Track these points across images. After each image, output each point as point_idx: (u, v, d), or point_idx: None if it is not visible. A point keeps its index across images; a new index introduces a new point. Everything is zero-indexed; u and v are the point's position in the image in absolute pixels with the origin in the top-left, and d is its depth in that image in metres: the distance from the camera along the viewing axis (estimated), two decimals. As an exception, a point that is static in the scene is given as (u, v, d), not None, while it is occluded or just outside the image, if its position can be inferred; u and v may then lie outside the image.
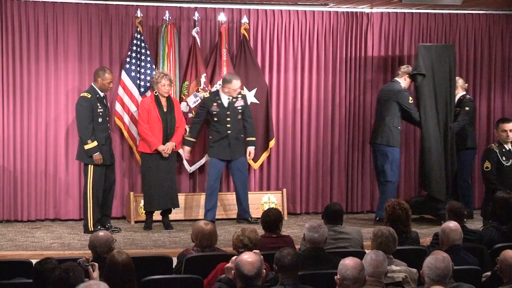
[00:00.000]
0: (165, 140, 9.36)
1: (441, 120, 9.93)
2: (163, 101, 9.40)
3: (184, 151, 9.89)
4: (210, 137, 9.79)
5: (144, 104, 9.43)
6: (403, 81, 10.03)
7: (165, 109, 9.39)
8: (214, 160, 9.77)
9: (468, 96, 10.32)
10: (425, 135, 9.97)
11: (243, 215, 9.94)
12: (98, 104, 9.11)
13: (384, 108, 9.97)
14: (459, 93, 10.20)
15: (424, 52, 10.00)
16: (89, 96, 9.09)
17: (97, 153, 9.02)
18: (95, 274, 5.11)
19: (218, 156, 9.75)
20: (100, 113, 9.12)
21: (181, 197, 9.92)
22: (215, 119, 9.73)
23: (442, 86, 9.95)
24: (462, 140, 10.15)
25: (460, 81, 10.24)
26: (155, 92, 9.39)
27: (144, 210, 9.60)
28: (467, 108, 10.10)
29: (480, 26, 11.34)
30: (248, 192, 10.11)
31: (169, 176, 9.46)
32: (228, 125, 9.74)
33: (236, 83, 9.70)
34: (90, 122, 9.04)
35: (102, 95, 9.21)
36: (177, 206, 9.64)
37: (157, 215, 9.68)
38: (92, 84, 9.23)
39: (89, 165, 9.10)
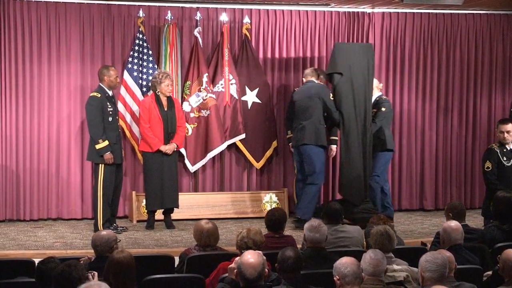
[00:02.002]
0: (167, 140, 9.37)
1: (359, 122, 9.67)
2: (164, 101, 9.40)
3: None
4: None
5: (145, 104, 9.44)
6: (318, 81, 9.79)
7: (165, 108, 9.40)
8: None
9: (384, 96, 10.04)
10: (344, 136, 9.69)
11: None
12: (108, 103, 9.11)
13: (308, 107, 9.56)
14: (375, 94, 9.94)
15: (340, 50, 9.76)
16: (99, 95, 9.08)
17: (108, 152, 9.03)
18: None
19: None
20: (110, 112, 9.13)
21: (183, 197, 9.94)
22: None
23: (360, 87, 9.69)
24: (380, 142, 9.94)
25: (375, 82, 9.98)
26: (157, 92, 9.40)
27: (146, 209, 9.62)
28: (383, 109, 9.86)
29: (481, 26, 11.35)
30: (250, 191, 10.12)
31: (170, 175, 9.46)
32: None
33: None
34: (100, 122, 9.03)
35: (111, 94, 9.22)
36: (177, 205, 9.62)
37: (159, 215, 9.71)
38: (100, 84, 9.20)
39: (100, 165, 9.09)
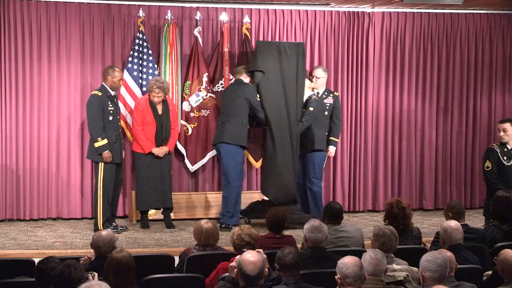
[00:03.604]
0: (159, 143, 9.37)
1: (284, 121, 9.57)
2: (159, 104, 9.40)
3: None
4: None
5: (139, 106, 9.44)
6: (247, 80, 9.72)
7: (160, 112, 9.39)
8: None
9: (314, 96, 9.93)
10: (268, 136, 9.61)
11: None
12: (109, 103, 9.13)
13: (232, 107, 9.51)
14: (307, 93, 9.87)
15: (262, 48, 9.70)
16: (100, 94, 9.10)
17: (107, 151, 9.04)
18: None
19: None
20: (111, 111, 9.14)
21: (183, 196, 9.96)
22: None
23: (287, 86, 9.61)
24: (309, 142, 9.92)
25: (307, 82, 9.95)
26: (149, 95, 9.40)
27: (136, 209, 9.63)
28: (311, 109, 9.78)
29: (481, 26, 11.35)
30: (249, 191, 10.12)
31: (161, 176, 9.46)
32: None
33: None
34: (100, 120, 9.06)
35: (112, 94, 9.24)
36: (169, 206, 9.61)
37: (158, 214, 9.73)
38: (103, 83, 9.24)
39: (100, 163, 9.11)
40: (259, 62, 9.59)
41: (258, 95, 9.56)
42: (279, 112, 9.57)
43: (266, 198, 9.75)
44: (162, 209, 9.65)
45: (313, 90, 9.95)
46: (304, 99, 9.80)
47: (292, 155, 9.61)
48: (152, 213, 9.83)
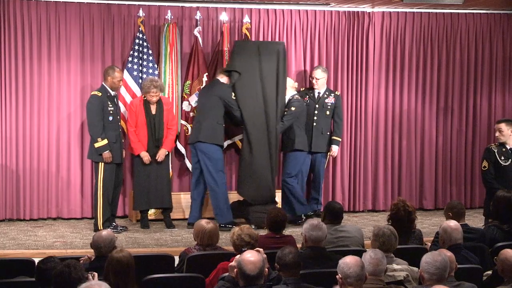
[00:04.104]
0: (152, 144, 9.37)
1: (262, 121, 9.53)
2: (153, 105, 9.39)
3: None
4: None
5: (132, 106, 9.45)
6: (225, 79, 9.68)
7: (153, 112, 9.38)
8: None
9: (296, 96, 9.94)
10: (246, 135, 9.57)
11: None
12: (109, 103, 9.14)
13: (208, 106, 9.48)
14: (289, 93, 9.88)
15: (240, 48, 9.68)
16: (100, 94, 9.11)
17: (107, 151, 9.05)
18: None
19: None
20: (111, 112, 9.15)
21: (183, 197, 9.95)
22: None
23: (267, 85, 9.58)
24: (290, 142, 9.90)
25: (290, 82, 9.94)
26: (144, 97, 9.41)
27: (133, 209, 9.63)
28: (293, 109, 9.76)
29: (481, 26, 11.35)
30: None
31: (158, 176, 9.45)
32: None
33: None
34: (100, 120, 9.06)
35: (112, 94, 9.24)
36: (167, 205, 9.62)
37: (158, 214, 9.73)
38: (103, 83, 9.26)
39: (100, 163, 9.12)
40: (236, 62, 9.59)
41: (233, 94, 9.54)
42: (256, 112, 9.56)
43: (241, 198, 9.75)
44: (162, 209, 9.65)
45: (295, 90, 9.98)
46: (287, 98, 9.81)
47: (270, 155, 9.60)
48: (152, 213, 9.83)
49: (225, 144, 10.08)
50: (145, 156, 9.32)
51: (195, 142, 9.45)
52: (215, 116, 9.44)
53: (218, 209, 9.42)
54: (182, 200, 9.98)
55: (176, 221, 9.72)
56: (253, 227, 8.92)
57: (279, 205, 9.80)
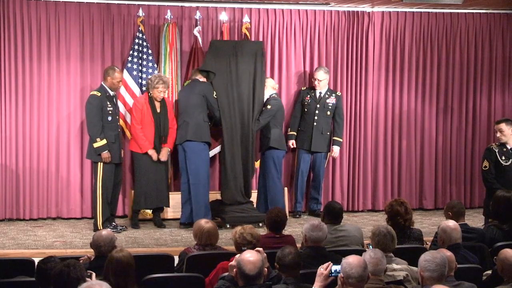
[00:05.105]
0: (158, 142, 9.39)
1: (239, 120, 9.52)
2: (157, 102, 9.42)
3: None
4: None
5: (138, 104, 9.45)
6: (203, 79, 9.65)
7: (158, 110, 9.42)
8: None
9: (274, 95, 9.91)
10: (224, 135, 9.56)
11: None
12: (108, 103, 9.14)
13: (192, 105, 9.40)
14: (268, 92, 9.87)
15: (216, 48, 9.64)
16: (99, 94, 9.12)
17: (106, 151, 9.05)
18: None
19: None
20: (110, 112, 9.15)
21: (180, 196, 9.94)
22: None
23: (243, 85, 9.58)
24: (266, 141, 9.91)
25: (271, 82, 9.95)
26: (150, 94, 9.41)
27: (132, 208, 9.64)
28: (269, 107, 9.76)
29: (481, 25, 11.35)
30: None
31: (160, 176, 9.47)
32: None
33: None
34: (99, 120, 9.07)
35: (112, 94, 9.25)
36: (167, 205, 9.66)
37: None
38: (102, 83, 9.27)
39: (99, 163, 9.12)
40: (211, 62, 9.58)
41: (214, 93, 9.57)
42: (229, 112, 9.55)
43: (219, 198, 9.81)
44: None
45: (274, 90, 9.99)
46: (265, 98, 9.81)
47: (246, 154, 9.61)
48: (150, 214, 9.80)
49: (215, 150, 10.08)
50: (154, 154, 9.34)
51: (183, 142, 9.43)
52: (200, 114, 9.44)
53: (197, 206, 9.36)
54: (180, 200, 9.97)
55: (176, 221, 9.72)
56: (228, 226, 9.05)
57: (254, 204, 9.85)
